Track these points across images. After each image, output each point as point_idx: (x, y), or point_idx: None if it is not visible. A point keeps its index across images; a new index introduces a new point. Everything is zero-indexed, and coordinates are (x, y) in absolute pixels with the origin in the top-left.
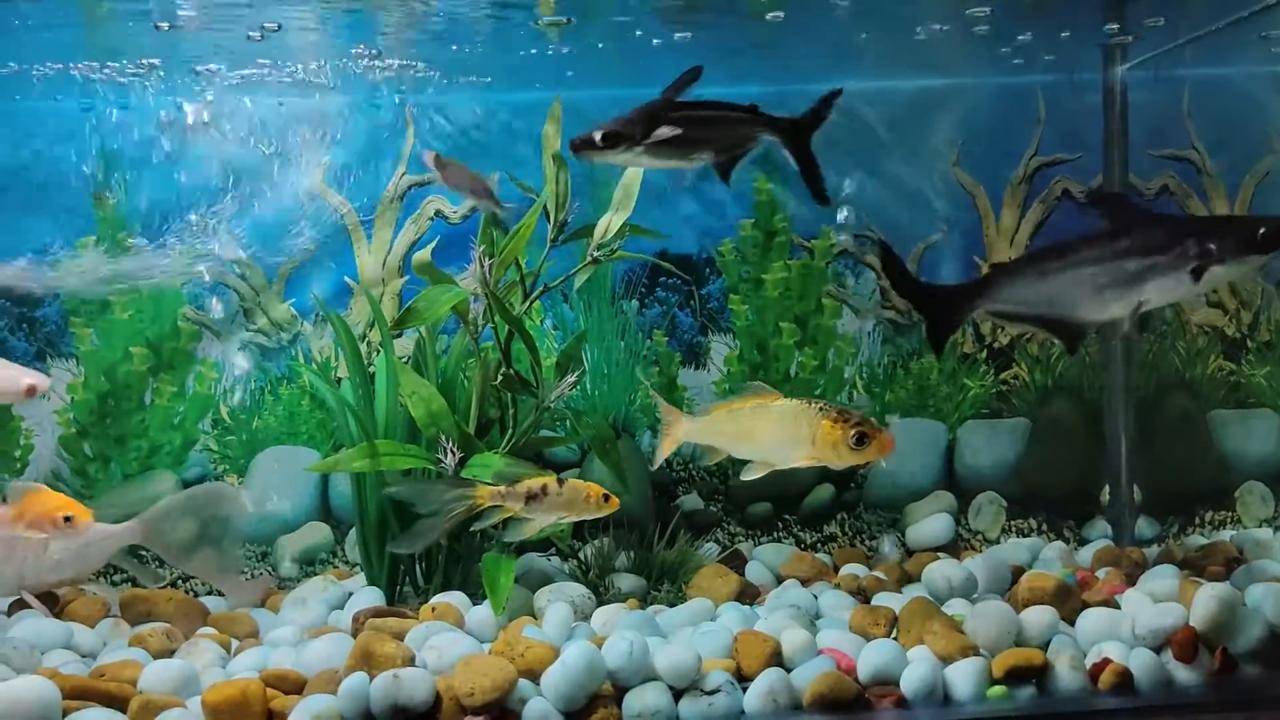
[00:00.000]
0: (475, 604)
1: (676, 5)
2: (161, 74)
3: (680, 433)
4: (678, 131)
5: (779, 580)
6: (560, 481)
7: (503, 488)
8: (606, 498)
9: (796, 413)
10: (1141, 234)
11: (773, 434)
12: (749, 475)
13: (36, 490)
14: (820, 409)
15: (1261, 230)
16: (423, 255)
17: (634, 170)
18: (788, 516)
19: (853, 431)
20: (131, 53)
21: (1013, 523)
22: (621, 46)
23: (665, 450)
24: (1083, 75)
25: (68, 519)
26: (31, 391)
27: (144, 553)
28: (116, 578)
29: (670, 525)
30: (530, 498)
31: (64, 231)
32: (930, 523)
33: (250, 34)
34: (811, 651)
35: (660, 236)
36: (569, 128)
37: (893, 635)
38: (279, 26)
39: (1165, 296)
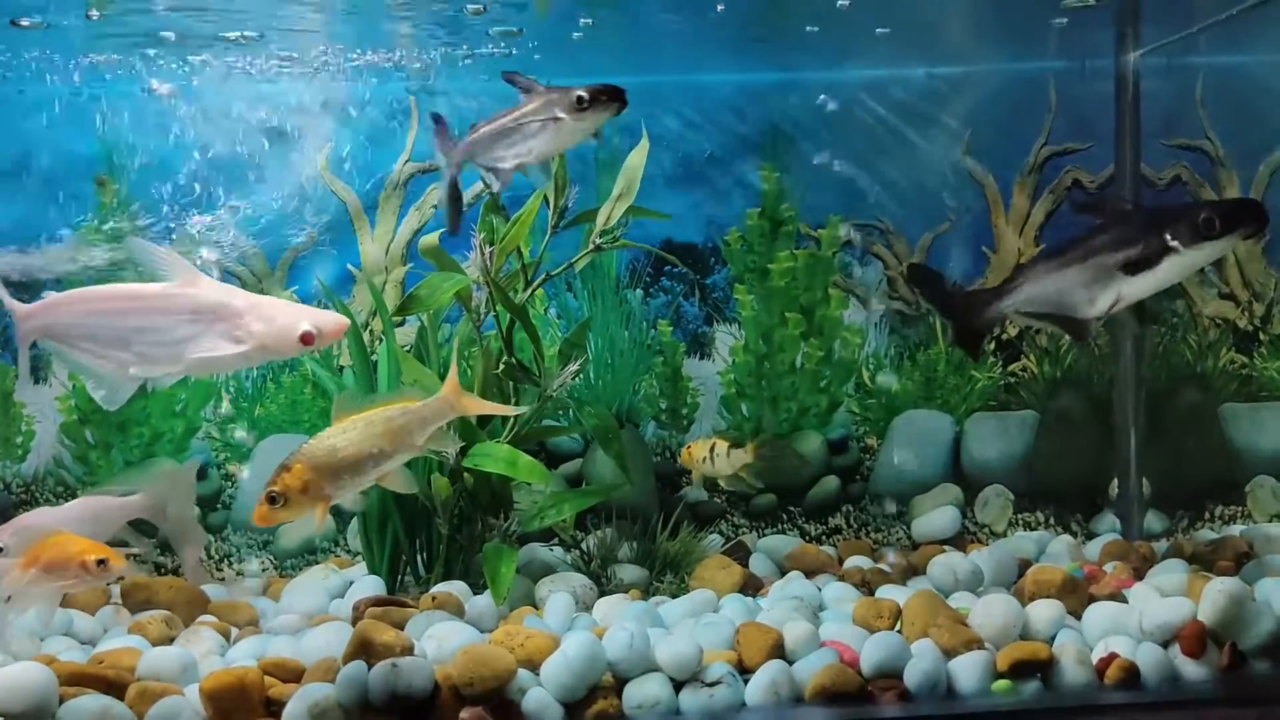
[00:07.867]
0: (476, 594)
1: None
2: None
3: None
4: None
5: (782, 572)
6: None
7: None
8: None
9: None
10: (1116, 231)
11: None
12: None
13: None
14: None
15: (1202, 216)
16: (430, 239)
17: (637, 156)
18: (792, 508)
19: None
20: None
21: (1020, 516)
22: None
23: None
24: (1094, 62)
25: (100, 562)
26: None
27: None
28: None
29: (673, 516)
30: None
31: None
32: (936, 515)
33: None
34: (814, 644)
35: (663, 217)
36: None
37: (897, 628)
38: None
39: (1142, 289)
